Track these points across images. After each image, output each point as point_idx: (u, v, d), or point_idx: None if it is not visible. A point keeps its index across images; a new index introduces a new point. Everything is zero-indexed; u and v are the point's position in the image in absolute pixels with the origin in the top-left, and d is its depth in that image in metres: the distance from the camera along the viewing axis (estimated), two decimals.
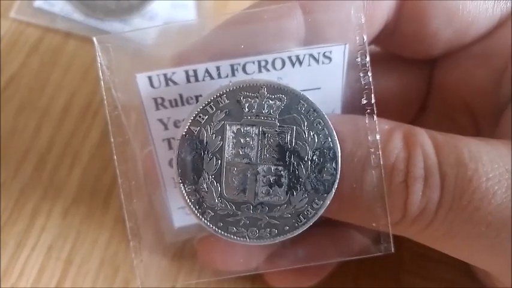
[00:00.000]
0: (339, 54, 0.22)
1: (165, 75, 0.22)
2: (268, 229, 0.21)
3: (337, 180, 0.20)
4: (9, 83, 0.34)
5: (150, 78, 0.22)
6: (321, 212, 0.20)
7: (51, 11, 0.36)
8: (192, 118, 0.20)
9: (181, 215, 0.25)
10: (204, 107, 0.20)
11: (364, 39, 0.21)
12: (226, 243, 0.24)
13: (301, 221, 0.21)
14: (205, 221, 0.21)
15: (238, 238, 0.21)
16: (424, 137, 0.20)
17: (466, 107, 0.26)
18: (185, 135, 0.20)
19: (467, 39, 0.24)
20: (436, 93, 0.27)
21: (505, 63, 0.24)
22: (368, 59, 0.21)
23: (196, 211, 0.21)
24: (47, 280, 0.28)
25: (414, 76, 0.27)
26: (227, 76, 0.22)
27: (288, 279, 0.26)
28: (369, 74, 0.21)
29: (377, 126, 0.20)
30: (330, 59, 0.22)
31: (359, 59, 0.21)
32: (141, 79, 0.22)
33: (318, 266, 0.26)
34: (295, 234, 0.21)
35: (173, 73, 0.22)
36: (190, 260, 0.28)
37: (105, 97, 0.22)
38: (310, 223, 0.21)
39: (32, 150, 0.32)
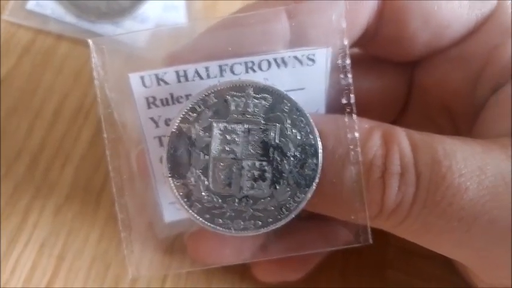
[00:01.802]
0: (322, 56, 0.23)
1: (156, 75, 0.22)
2: (253, 221, 0.22)
3: (318, 175, 0.21)
4: (1, 85, 0.34)
5: (142, 78, 0.22)
6: (302, 205, 0.21)
7: (43, 13, 0.37)
8: (182, 116, 0.21)
9: (172, 210, 0.26)
10: (193, 105, 0.21)
11: (345, 42, 0.22)
12: (215, 237, 0.25)
13: (283, 214, 0.21)
14: (193, 213, 0.22)
15: (224, 229, 0.22)
16: (401, 136, 0.21)
17: (445, 108, 0.27)
18: (175, 132, 0.21)
19: (444, 42, 0.25)
20: (417, 94, 0.28)
21: (480, 66, 0.24)
22: (348, 61, 0.22)
23: (184, 204, 0.22)
24: (39, 276, 0.29)
25: (396, 78, 0.28)
26: (215, 76, 0.23)
27: (274, 272, 0.27)
28: (349, 75, 0.22)
29: (356, 125, 0.21)
30: (313, 61, 0.23)
31: (340, 61, 0.22)
32: (134, 79, 0.23)
33: (303, 259, 0.27)
34: (278, 226, 0.22)
35: (164, 73, 0.23)
36: (181, 253, 0.28)
37: (99, 95, 0.23)
38: (292, 215, 0.21)
39: (24, 150, 0.32)
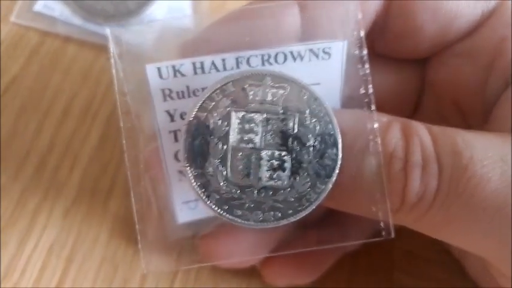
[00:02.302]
0: (338, 50, 0.23)
1: (173, 66, 0.22)
2: (272, 212, 0.21)
3: (338, 166, 0.21)
4: (10, 86, 0.34)
5: (159, 69, 0.22)
6: (323, 196, 0.21)
7: (51, 15, 0.37)
8: (199, 105, 0.21)
9: (185, 211, 0.25)
10: (211, 94, 0.21)
11: (361, 33, 0.22)
12: (229, 236, 0.24)
13: (304, 205, 0.21)
14: (211, 204, 0.21)
15: (243, 221, 0.21)
16: (421, 128, 0.21)
17: (456, 105, 0.26)
18: (192, 121, 0.21)
19: (452, 35, 0.25)
20: (429, 92, 0.28)
21: (489, 60, 0.24)
22: (365, 51, 0.22)
23: (202, 194, 0.21)
24: (48, 278, 0.29)
25: (408, 75, 0.28)
26: (232, 69, 0.23)
27: (285, 275, 0.27)
28: (366, 65, 0.22)
29: (375, 115, 0.21)
30: (329, 54, 0.23)
31: (357, 51, 0.22)
32: (151, 70, 0.22)
33: (316, 261, 0.27)
34: (298, 218, 0.21)
35: (181, 65, 0.22)
36: (192, 249, 0.28)
37: (116, 84, 0.23)
38: (313, 207, 0.21)
39: (32, 151, 0.32)
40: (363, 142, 0.21)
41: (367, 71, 0.22)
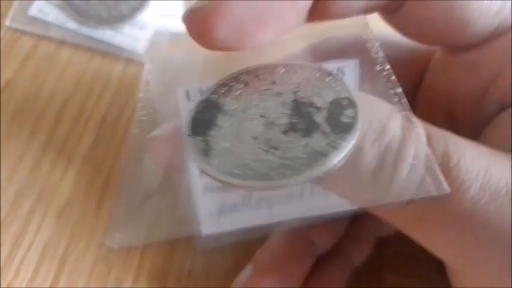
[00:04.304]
0: (351, 70, 0.22)
1: (200, 89, 0.22)
2: (281, 170, 0.18)
3: (358, 125, 0.19)
4: (5, 89, 0.35)
5: (187, 92, 0.22)
6: (342, 153, 0.19)
7: (45, 19, 0.37)
8: (212, 90, 0.21)
9: (210, 223, 0.23)
10: (225, 81, 0.21)
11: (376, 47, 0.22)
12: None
13: (319, 160, 0.18)
14: (211, 168, 0.19)
15: (244, 181, 0.19)
16: (418, 123, 0.21)
17: (450, 115, 0.27)
18: (203, 100, 0.21)
19: (460, 39, 0.24)
20: (423, 96, 0.28)
21: (492, 75, 0.24)
22: (382, 54, 0.22)
23: (202, 160, 0.19)
24: (42, 278, 0.29)
25: (403, 78, 0.28)
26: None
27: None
28: (387, 66, 0.22)
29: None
30: (343, 73, 0.22)
31: (377, 54, 0.22)
32: (181, 93, 0.22)
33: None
34: (312, 175, 0.18)
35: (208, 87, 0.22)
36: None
37: (144, 107, 0.23)
38: (332, 161, 0.18)
39: (27, 154, 0.33)
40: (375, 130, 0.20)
41: (390, 70, 0.22)
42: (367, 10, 0.23)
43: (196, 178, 0.22)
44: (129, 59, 0.37)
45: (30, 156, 0.33)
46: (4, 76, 0.35)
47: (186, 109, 0.22)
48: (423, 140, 0.20)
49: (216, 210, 0.23)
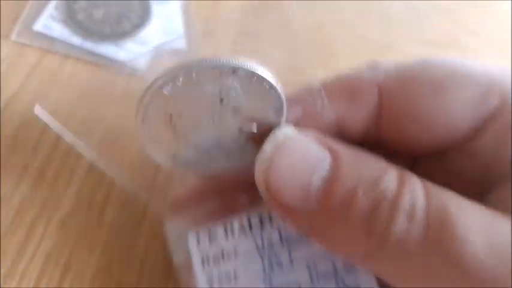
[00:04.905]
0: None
1: (209, 229, 0.25)
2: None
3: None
4: (10, 102, 0.36)
5: (197, 233, 0.25)
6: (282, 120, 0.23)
7: (50, 34, 0.39)
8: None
9: None
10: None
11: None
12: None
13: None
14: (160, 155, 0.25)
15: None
16: (415, 179, 0.21)
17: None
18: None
19: (450, 142, 0.25)
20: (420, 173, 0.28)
21: (490, 161, 0.24)
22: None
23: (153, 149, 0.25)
24: (45, 285, 0.30)
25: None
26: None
27: None
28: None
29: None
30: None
31: None
32: (192, 237, 0.25)
33: None
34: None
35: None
36: None
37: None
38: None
39: (31, 165, 0.34)
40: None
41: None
42: None
43: None
44: (131, 74, 0.38)
45: (33, 168, 0.34)
46: (9, 89, 0.36)
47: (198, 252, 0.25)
48: (420, 193, 0.20)
49: None
